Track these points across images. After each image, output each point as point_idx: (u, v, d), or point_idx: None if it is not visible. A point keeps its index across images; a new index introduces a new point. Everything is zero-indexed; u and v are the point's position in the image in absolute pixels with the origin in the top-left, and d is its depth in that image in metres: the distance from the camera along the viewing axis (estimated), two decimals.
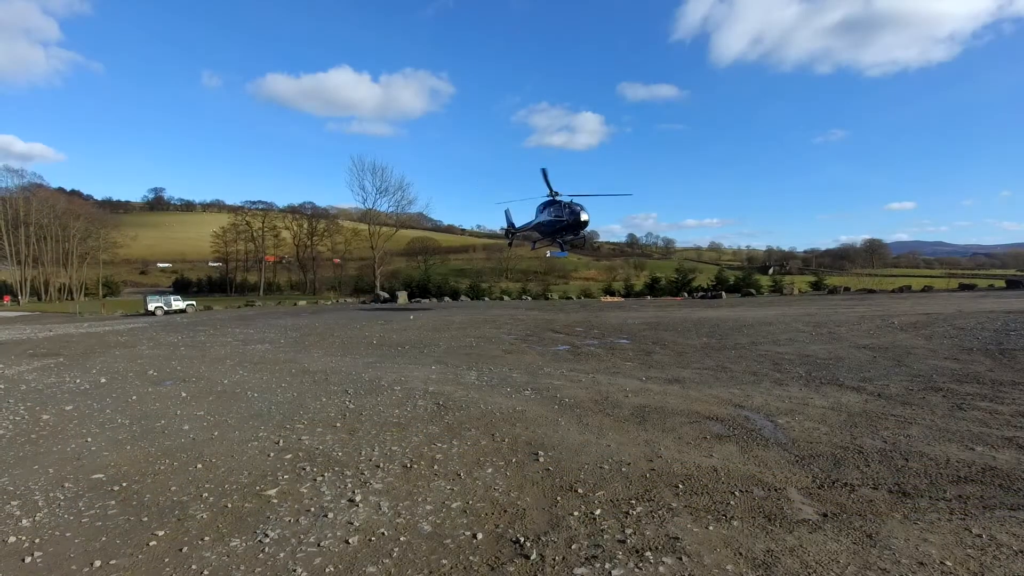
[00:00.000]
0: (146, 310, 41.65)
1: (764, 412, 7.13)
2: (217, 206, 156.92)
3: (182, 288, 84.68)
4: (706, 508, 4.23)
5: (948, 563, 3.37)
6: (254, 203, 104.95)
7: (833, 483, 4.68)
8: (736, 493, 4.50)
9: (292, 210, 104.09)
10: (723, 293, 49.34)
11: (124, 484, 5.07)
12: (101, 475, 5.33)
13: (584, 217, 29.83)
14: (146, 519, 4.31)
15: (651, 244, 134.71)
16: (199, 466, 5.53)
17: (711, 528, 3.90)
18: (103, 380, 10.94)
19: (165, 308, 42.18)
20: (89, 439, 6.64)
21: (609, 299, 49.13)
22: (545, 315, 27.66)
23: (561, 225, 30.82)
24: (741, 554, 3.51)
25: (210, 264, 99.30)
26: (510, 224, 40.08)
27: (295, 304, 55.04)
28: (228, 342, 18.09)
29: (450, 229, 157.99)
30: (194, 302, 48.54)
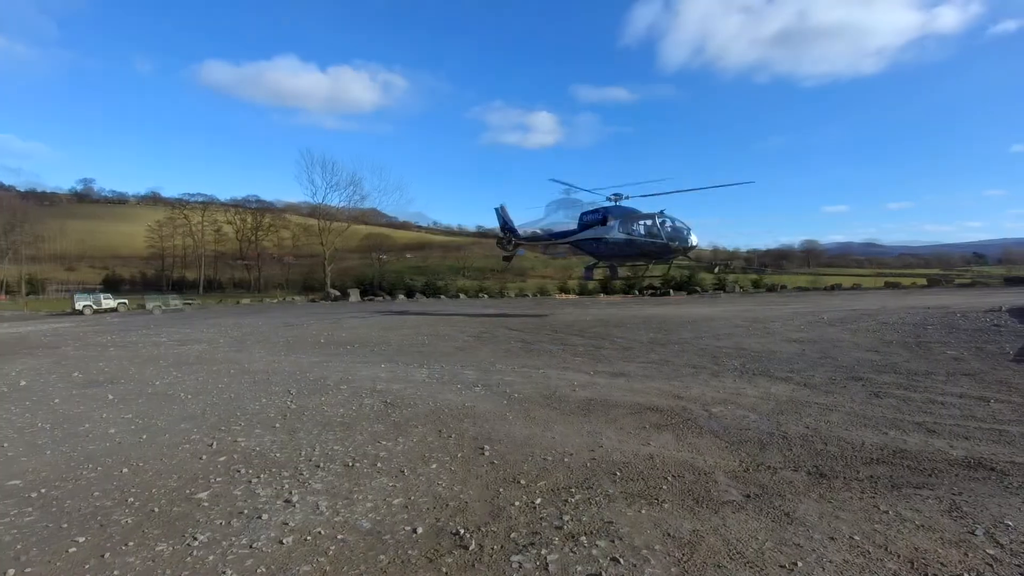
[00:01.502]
0: (73, 309, 38.83)
1: (700, 402, 7.49)
2: (152, 199, 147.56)
3: (113, 286, 78.93)
4: (640, 493, 4.42)
5: (856, 537, 3.67)
6: (193, 196, 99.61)
7: (758, 466, 4.99)
8: (669, 478, 4.72)
9: (235, 204, 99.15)
10: (671, 291, 51.18)
11: (43, 490, 4.74)
12: (17, 481, 4.95)
13: (694, 241, 22.09)
14: (66, 525, 4.05)
15: None
16: (125, 470, 5.22)
17: (643, 512, 4.07)
18: (23, 383, 10.13)
19: (94, 307, 39.46)
20: (5, 444, 6.14)
21: (564, 297, 49.93)
22: (500, 313, 27.78)
23: (653, 249, 21.70)
24: (669, 535, 3.70)
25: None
26: (508, 229, 28.10)
27: (238, 302, 52.65)
28: (162, 342, 17.12)
29: (405, 226, 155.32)
30: (126, 300, 45.56)
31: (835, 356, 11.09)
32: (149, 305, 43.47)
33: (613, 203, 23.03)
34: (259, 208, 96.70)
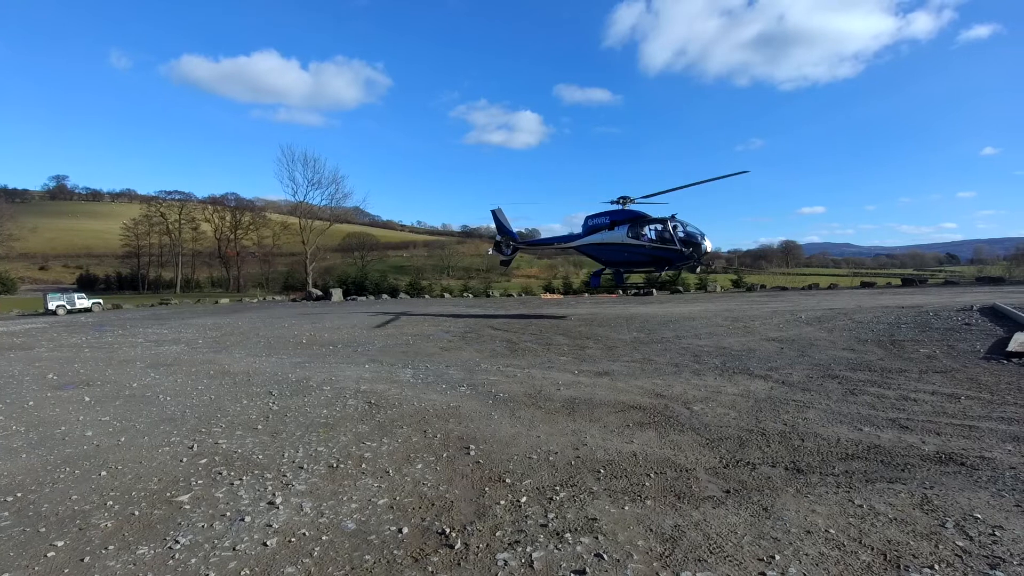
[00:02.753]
0: (46, 309, 37.70)
1: (682, 400, 7.62)
2: (128, 196, 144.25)
3: (87, 285, 77.15)
4: (623, 490, 4.49)
5: (832, 531, 3.78)
6: (170, 193, 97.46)
7: (737, 463, 5.11)
8: (651, 475, 4.80)
9: (213, 201, 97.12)
10: (654, 291, 51.68)
11: (19, 494, 4.63)
12: None
13: (709, 247, 20.71)
14: (43, 529, 3.97)
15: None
16: (103, 473, 5.13)
17: (627, 508, 4.14)
18: None
19: (68, 307, 38.35)
20: None
21: (549, 297, 50.09)
22: (485, 312, 27.76)
23: (665, 255, 20.61)
24: (651, 530, 3.77)
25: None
26: (506, 233, 27.10)
27: (216, 302, 51.64)
28: (139, 343, 16.75)
29: (388, 225, 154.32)
30: (101, 300, 44.38)
31: (812, 354, 11.35)
32: (51, 304, 37.66)
33: (620, 207, 22.13)
34: (238, 206, 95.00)
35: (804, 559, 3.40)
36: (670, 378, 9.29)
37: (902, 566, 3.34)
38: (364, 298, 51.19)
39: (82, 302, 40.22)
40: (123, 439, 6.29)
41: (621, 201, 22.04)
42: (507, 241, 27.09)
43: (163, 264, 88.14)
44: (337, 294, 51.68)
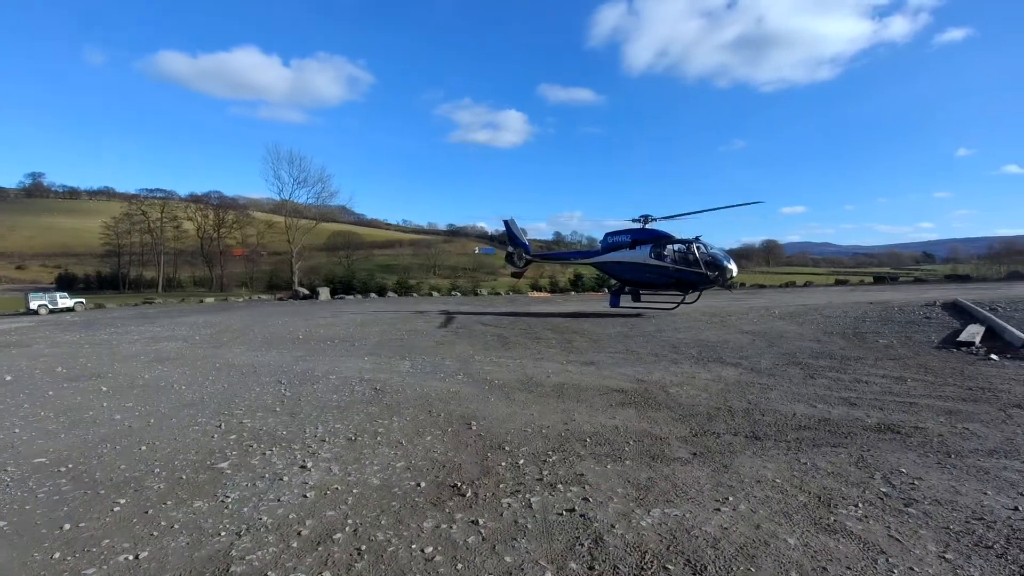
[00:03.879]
0: (28, 309, 37.33)
1: (660, 385, 8.42)
2: (107, 194, 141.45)
3: (67, 284, 75.75)
4: (606, 454, 5.25)
5: (778, 480, 4.57)
6: (151, 191, 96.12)
7: (705, 433, 5.90)
8: (631, 443, 5.57)
9: (195, 199, 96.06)
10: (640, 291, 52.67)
11: (70, 466, 5.21)
12: (43, 459, 5.40)
13: (733, 271, 20.44)
14: (103, 492, 4.58)
15: (577, 241, 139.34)
16: (143, 448, 5.72)
17: (609, 467, 4.90)
18: (8, 378, 10.26)
19: (50, 306, 38.04)
20: (16, 430, 6.50)
21: (537, 295, 50.88)
22: (475, 310, 28.42)
23: (687, 277, 20.32)
24: (629, 481, 4.53)
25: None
26: (519, 245, 26.96)
27: (201, 301, 51.40)
28: (135, 340, 17.10)
29: (374, 224, 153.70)
30: (83, 300, 43.98)
31: (781, 345, 12.27)
32: (33, 304, 37.29)
33: (641, 225, 22.25)
34: (221, 204, 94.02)
35: (752, 499, 4.18)
36: (650, 366, 10.11)
37: (832, 505, 4.13)
38: (352, 297, 51.41)
39: (64, 301, 39.90)
40: (152, 421, 6.87)
41: (643, 220, 22.09)
42: (519, 253, 26.83)
43: (144, 263, 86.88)
44: (324, 293, 51.79)
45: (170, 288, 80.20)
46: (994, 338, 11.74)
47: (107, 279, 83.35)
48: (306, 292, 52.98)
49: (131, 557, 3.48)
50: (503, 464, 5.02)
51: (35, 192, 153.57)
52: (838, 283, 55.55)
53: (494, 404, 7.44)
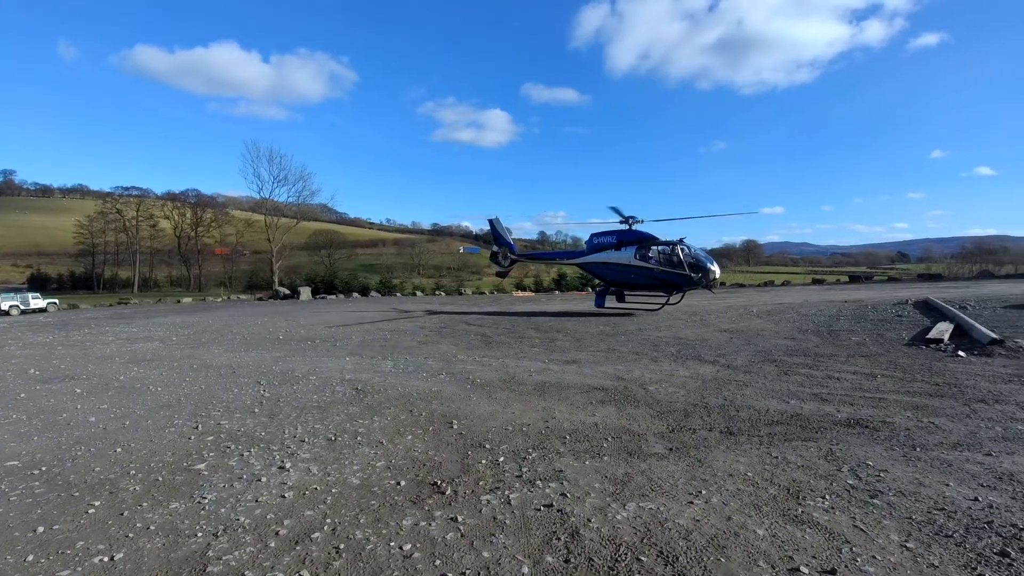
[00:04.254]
0: None
1: (639, 383, 8.55)
2: (81, 192, 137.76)
3: (39, 284, 73.49)
4: (585, 450, 5.33)
5: (749, 474, 4.70)
6: (127, 189, 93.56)
7: (681, 429, 6.03)
8: (609, 439, 5.67)
9: (172, 197, 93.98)
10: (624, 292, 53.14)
11: (43, 468, 5.11)
12: (15, 462, 5.28)
13: (716, 272, 20.99)
14: (77, 494, 4.50)
15: (561, 241, 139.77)
16: (118, 450, 5.64)
17: (587, 463, 4.98)
18: None
19: (22, 307, 36.98)
20: None
21: (521, 294, 50.96)
22: (459, 309, 28.39)
23: (672, 279, 20.72)
24: (607, 477, 4.62)
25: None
26: (504, 244, 27.30)
27: (178, 301, 50.42)
28: (111, 340, 16.73)
29: (357, 222, 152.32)
30: (56, 300, 42.82)
31: (757, 343, 12.54)
32: (4, 304, 36.05)
33: (627, 227, 22.46)
34: (199, 203, 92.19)
35: (724, 492, 4.30)
36: (631, 364, 10.25)
37: (800, 497, 4.27)
38: (334, 297, 50.89)
39: (37, 302, 38.84)
40: (127, 423, 6.75)
41: (628, 221, 22.27)
42: (504, 252, 26.98)
43: (119, 263, 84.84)
44: (306, 293, 51.16)
45: (146, 288, 78.54)
46: (962, 335, 12.15)
47: (81, 279, 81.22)
48: (287, 292, 52.30)
49: (106, 559, 3.45)
50: (483, 462, 5.07)
51: (6, 190, 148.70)
52: (815, 282, 56.75)
53: (476, 403, 7.48)
